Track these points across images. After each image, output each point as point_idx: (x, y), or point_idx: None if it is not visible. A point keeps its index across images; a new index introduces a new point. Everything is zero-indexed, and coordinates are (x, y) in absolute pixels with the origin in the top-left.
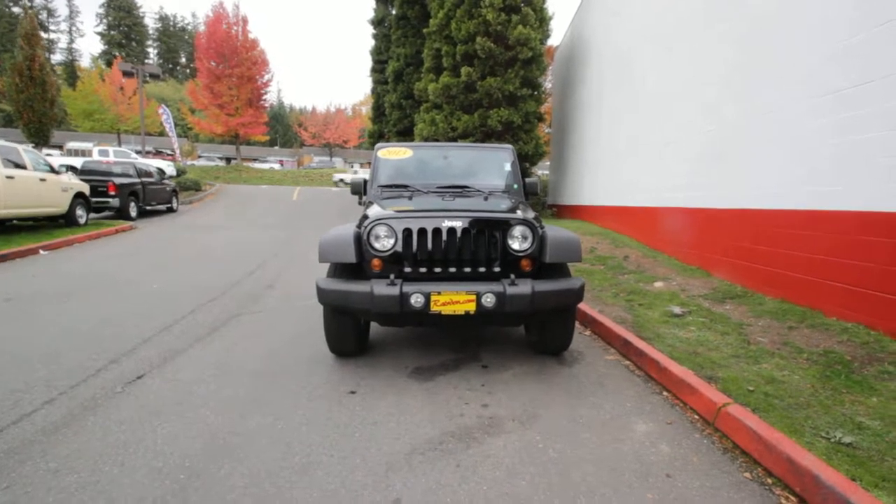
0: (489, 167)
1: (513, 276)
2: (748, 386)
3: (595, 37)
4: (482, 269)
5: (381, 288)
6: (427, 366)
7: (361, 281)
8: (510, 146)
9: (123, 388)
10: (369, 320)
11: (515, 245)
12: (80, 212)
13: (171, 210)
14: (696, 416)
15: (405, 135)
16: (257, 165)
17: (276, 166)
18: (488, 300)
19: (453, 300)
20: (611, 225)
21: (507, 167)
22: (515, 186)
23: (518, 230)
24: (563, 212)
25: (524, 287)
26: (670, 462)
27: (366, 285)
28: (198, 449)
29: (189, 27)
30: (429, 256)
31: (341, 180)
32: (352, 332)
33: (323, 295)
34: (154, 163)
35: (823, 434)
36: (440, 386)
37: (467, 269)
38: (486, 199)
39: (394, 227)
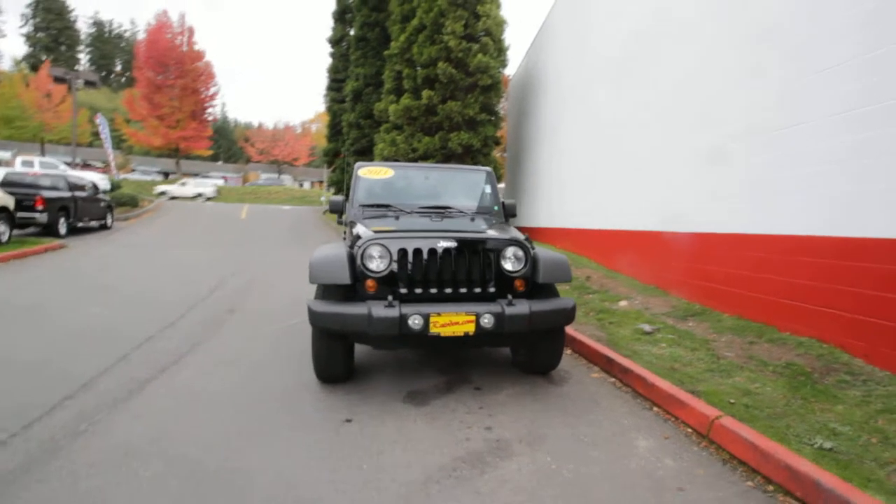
0: (469, 189)
1: (510, 296)
2: (729, 399)
3: (551, 69)
4: (477, 290)
5: (380, 310)
6: (419, 389)
7: (357, 303)
8: (489, 168)
9: (87, 427)
10: (362, 343)
11: (509, 266)
12: (1, 228)
13: (104, 227)
14: (690, 430)
15: (363, 154)
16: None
17: (220, 182)
18: (487, 321)
19: (453, 321)
20: (566, 246)
21: (488, 189)
22: (496, 208)
23: (511, 251)
24: None
25: (522, 307)
26: (678, 476)
27: (362, 307)
28: (192, 491)
29: (126, 34)
30: (423, 277)
31: (162, 192)
32: (342, 356)
33: (316, 318)
34: (87, 175)
35: (806, 441)
36: (438, 410)
37: (463, 290)
38: (472, 220)
39: (388, 248)
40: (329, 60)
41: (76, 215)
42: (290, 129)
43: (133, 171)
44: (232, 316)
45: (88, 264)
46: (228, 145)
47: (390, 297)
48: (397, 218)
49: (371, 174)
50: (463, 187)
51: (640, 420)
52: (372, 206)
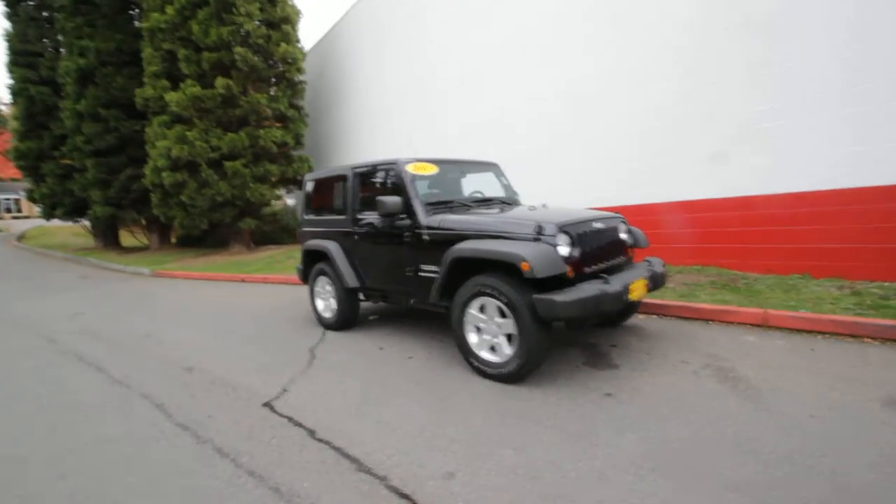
0: (491, 181)
1: (649, 260)
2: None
3: (352, 68)
4: (618, 261)
5: (611, 288)
6: (582, 361)
7: (581, 286)
8: (496, 162)
9: None
10: (571, 325)
11: (624, 237)
12: None
13: None
14: (749, 325)
15: (108, 154)
16: None
17: None
18: (650, 283)
19: (637, 287)
20: None
21: (505, 180)
22: (515, 197)
23: (624, 225)
24: None
25: (661, 267)
26: (797, 346)
27: (593, 289)
28: None
29: None
30: (591, 256)
31: None
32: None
33: (559, 308)
34: None
35: (797, 311)
36: (637, 367)
37: (613, 262)
38: (543, 206)
39: (573, 234)
40: (6, 24)
41: None
42: None
43: None
44: (199, 376)
45: None
46: None
47: (605, 276)
48: (501, 210)
49: (421, 170)
50: (487, 180)
51: (719, 332)
52: (433, 203)
